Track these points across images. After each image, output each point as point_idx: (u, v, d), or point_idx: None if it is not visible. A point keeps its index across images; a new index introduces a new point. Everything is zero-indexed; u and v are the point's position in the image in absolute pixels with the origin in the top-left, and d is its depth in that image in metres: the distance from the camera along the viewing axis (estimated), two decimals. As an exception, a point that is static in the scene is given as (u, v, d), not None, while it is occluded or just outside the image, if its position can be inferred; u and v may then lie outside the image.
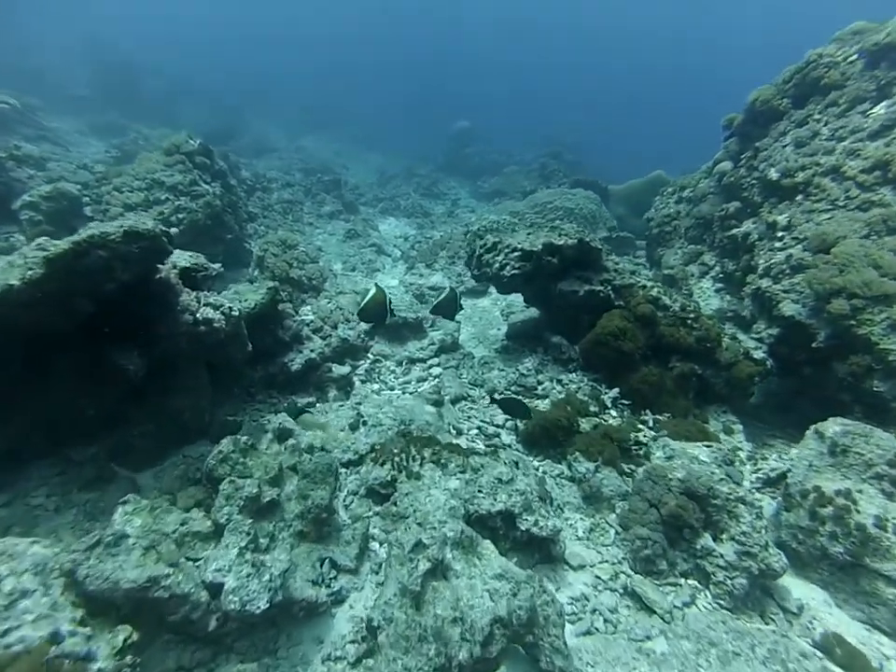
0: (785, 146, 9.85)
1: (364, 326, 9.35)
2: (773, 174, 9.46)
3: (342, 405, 7.05)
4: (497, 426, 7.56)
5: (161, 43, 44.62)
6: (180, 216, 10.73)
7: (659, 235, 13.37)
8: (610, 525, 5.55)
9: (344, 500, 5.51)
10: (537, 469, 6.54)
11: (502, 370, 8.58)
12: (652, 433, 6.67)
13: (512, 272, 7.89)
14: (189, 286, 5.60)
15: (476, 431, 7.35)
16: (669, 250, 12.90)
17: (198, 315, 5.37)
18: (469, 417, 7.82)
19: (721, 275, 11.31)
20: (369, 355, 9.15)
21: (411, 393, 8.37)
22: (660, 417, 7.34)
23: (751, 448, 7.28)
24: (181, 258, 5.80)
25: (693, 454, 5.76)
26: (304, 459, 5.05)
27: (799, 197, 8.92)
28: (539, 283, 8.07)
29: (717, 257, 11.67)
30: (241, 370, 7.04)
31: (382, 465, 5.48)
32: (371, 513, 5.26)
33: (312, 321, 8.76)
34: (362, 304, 5.44)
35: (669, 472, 5.35)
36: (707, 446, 5.94)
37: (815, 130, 9.39)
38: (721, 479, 5.10)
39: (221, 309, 5.74)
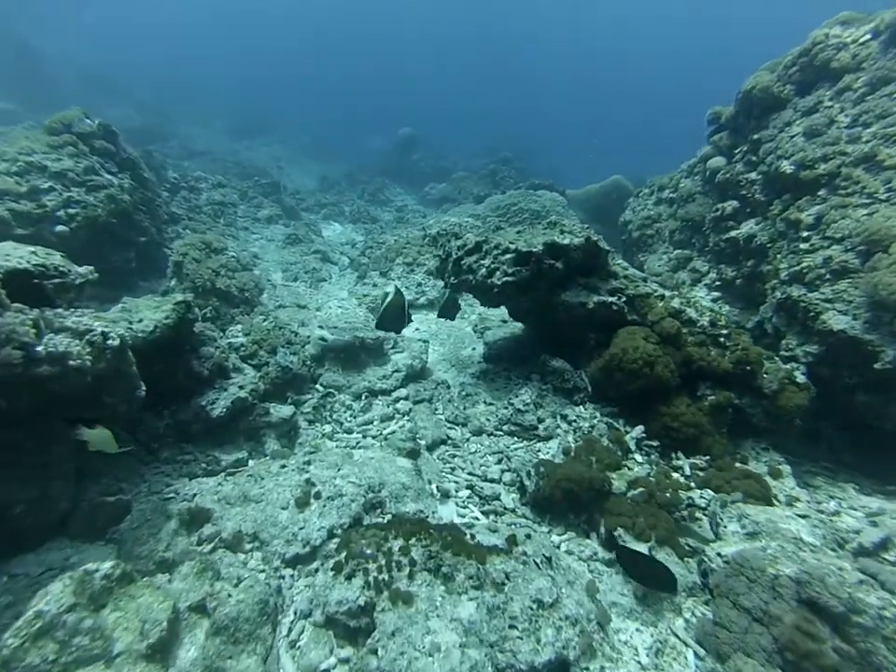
0: (793, 136, 8.59)
1: (311, 350, 7.28)
2: (786, 167, 8.16)
3: (283, 466, 4.95)
4: (493, 480, 5.67)
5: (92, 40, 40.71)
6: (71, 210, 8.28)
7: (639, 239, 11.97)
8: (686, 644, 3.76)
9: (289, 632, 3.46)
10: (558, 546, 4.70)
11: (490, 403, 6.70)
12: (710, 494, 4.96)
13: (504, 279, 6.07)
14: (29, 299, 3.43)
15: (467, 492, 5.43)
16: (652, 255, 11.49)
17: (38, 349, 3.21)
18: (454, 469, 5.88)
19: (717, 282, 9.95)
20: (318, 386, 7.07)
21: (375, 437, 6.36)
22: (697, 461, 5.68)
23: (807, 497, 5.72)
24: (13, 254, 3.60)
25: (788, 529, 4.07)
26: (222, 595, 2.97)
27: (823, 191, 7.61)
28: (536, 293, 6.29)
29: (710, 262, 10.32)
30: (135, 418, 4.85)
31: (349, 578, 3.46)
32: (333, 664, 3.24)
33: (243, 345, 6.61)
34: (380, 310, 4.99)
35: (771, 566, 3.63)
36: (803, 516, 4.27)
37: (830, 117, 8.16)
38: (861, 581, 3.40)
39: (88, 337, 3.59)
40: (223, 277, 8.36)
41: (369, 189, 24.01)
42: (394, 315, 4.96)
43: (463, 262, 6.50)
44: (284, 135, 35.80)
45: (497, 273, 6.14)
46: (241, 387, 5.54)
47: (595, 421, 6.13)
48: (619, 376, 6.04)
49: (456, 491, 5.43)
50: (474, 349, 8.77)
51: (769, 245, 8.41)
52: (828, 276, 6.72)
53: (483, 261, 6.32)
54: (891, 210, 6.61)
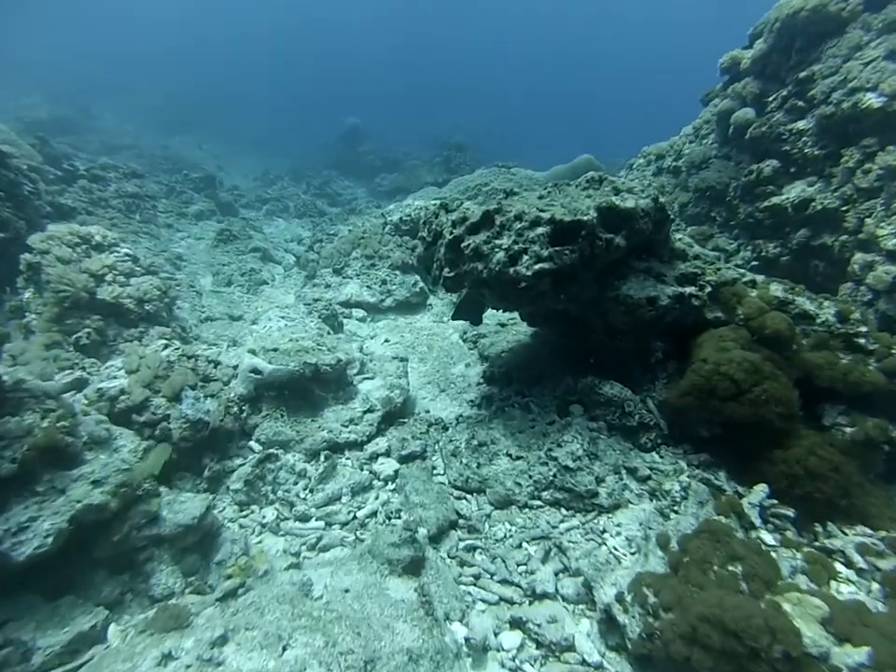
0: (871, 62, 6.58)
1: (240, 388, 4.73)
2: (871, 100, 6.13)
3: (166, 657, 2.47)
4: (545, 595, 3.34)
5: None
6: None
7: (642, 217, 9.89)
8: None
9: None
10: None
11: (516, 456, 4.34)
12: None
13: (538, 266, 3.72)
14: None
15: (517, 639, 3.07)
16: (661, 235, 9.39)
17: None
18: (478, 577, 3.52)
19: (754, 262, 7.92)
20: (252, 444, 4.56)
21: (346, 526, 3.92)
22: (865, 540, 3.52)
23: None
24: None
25: None
26: None
27: None
28: (579, 287, 3.97)
29: (740, 238, 8.29)
30: None
31: None
32: None
33: (123, 392, 4.04)
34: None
35: None
36: None
37: None
38: None
39: None
40: (110, 285, 5.67)
41: (315, 182, 21.24)
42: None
43: (465, 244, 4.10)
44: (221, 130, 32.31)
45: (525, 257, 3.77)
46: (95, 484, 2.98)
47: (685, 477, 3.88)
48: (714, 404, 3.80)
49: (497, 633, 3.06)
50: (468, 365, 6.38)
51: (844, 210, 6.38)
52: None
53: (498, 240, 3.93)
54: None
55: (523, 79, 68.09)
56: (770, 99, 7.81)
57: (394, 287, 8.39)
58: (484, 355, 6.24)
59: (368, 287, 8.37)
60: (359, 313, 8.16)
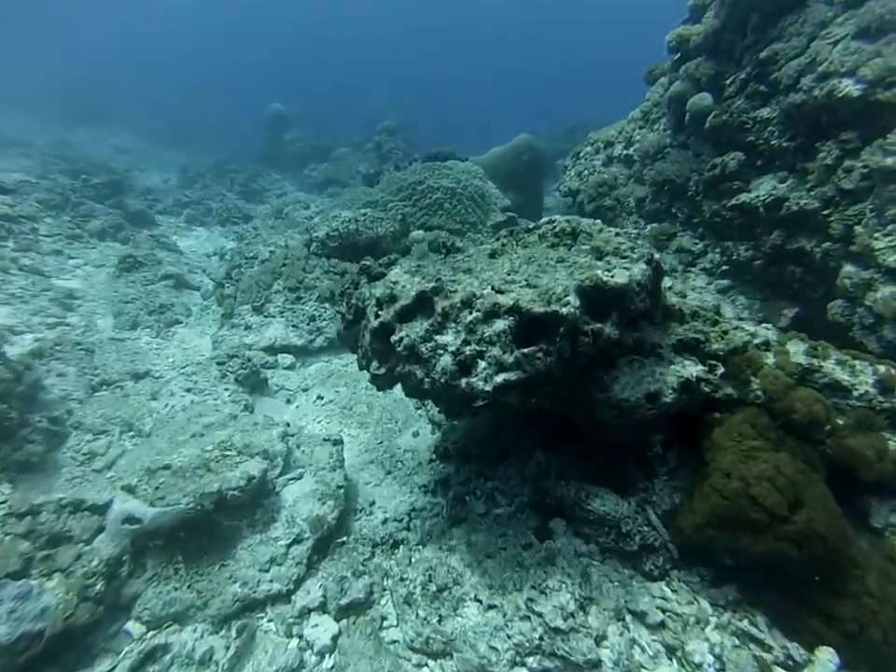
0: (838, 42, 5.65)
1: (110, 550, 3.42)
2: (849, 87, 5.21)
3: None
4: None
5: None
6: None
7: (595, 213, 8.82)
8: None
9: None
10: None
11: (489, 604, 3.25)
12: None
13: (501, 378, 2.57)
14: None
15: None
16: (617, 234, 8.43)
17: None
18: None
19: (723, 267, 7.05)
20: (130, 627, 3.27)
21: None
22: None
23: None
24: None
25: None
26: None
27: None
28: (556, 387, 2.87)
29: (706, 238, 7.39)
30: None
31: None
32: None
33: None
34: None
35: None
36: None
37: None
38: None
39: None
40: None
41: (239, 179, 19.20)
42: None
43: (396, 338, 2.91)
44: (132, 122, 29.05)
45: (482, 364, 2.61)
46: None
47: (713, 631, 2.92)
48: (745, 540, 2.83)
49: None
50: (416, 434, 5.20)
51: (826, 214, 5.50)
52: None
53: (442, 337, 2.76)
54: None
55: (461, 54, 65.52)
56: (727, 82, 6.82)
57: (324, 323, 7.07)
58: (436, 421, 5.11)
59: (294, 326, 7.01)
60: (287, 358, 6.82)
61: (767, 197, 6.20)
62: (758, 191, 6.35)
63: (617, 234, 2.98)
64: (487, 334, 2.62)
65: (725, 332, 3.29)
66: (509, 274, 2.85)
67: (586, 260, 2.81)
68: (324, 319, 7.11)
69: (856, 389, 3.19)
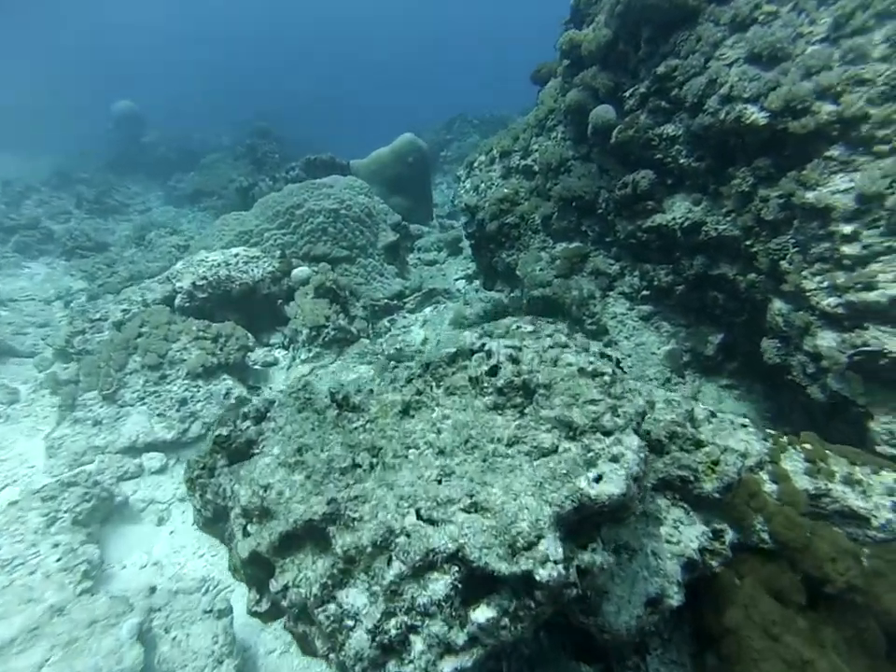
0: (733, 64, 5.18)
1: None
2: (755, 115, 4.71)
3: None
4: None
5: None
6: None
7: (499, 233, 8.00)
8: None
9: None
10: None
11: None
12: None
13: (452, 666, 1.67)
14: None
15: None
16: (526, 254, 7.68)
17: None
18: None
19: (643, 292, 6.54)
20: None
21: None
22: None
23: None
24: None
25: None
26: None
27: (837, 150, 4.34)
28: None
29: (621, 259, 6.84)
30: None
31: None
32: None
33: None
34: None
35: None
36: None
37: (794, 26, 4.85)
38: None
39: None
40: None
41: (89, 195, 16.25)
42: None
43: (279, 589, 1.82)
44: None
45: (419, 647, 1.62)
46: None
47: None
48: None
49: None
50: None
51: (748, 244, 5.05)
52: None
53: (348, 597, 1.72)
54: None
55: (338, 42, 61.84)
56: (626, 94, 6.20)
57: (199, 405, 5.66)
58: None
59: (160, 415, 5.53)
60: (154, 459, 5.36)
61: (684, 220, 5.70)
62: (673, 213, 5.84)
63: (585, 376, 2.06)
64: (420, 602, 1.61)
65: (716, 463, 2.54)
66: (440, 477, 1.84)
67: (551, 441, 1.88)
68: (197, 400, 5.70)
69: (875, 518, 2.60)
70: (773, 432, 3.07)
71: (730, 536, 2.39)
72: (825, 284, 4.11)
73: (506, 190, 8.06)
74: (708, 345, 5.90)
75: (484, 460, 1.88)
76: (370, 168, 15.18)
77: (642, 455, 1.83)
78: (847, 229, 4.03)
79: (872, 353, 3.68)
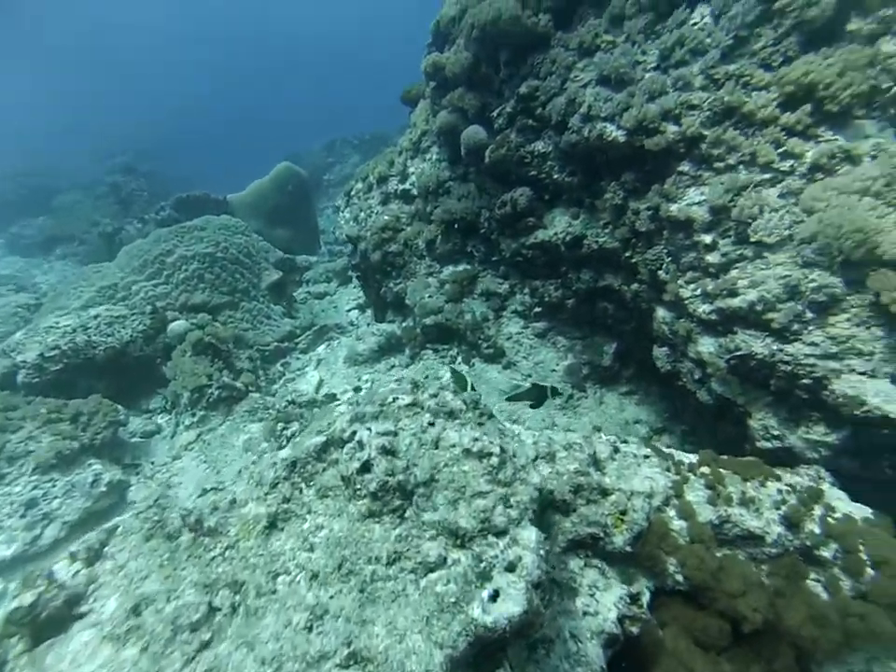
0: (587, 85, 5.28)
1: None
2: (613, 132, 4.80)
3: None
4: None
5: None
6: None
7: (384, 262, 7.70)
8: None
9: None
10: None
11: None
12: None
13: None
14: None
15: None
16: (414, 282, 7.43)
17: None
18: None
19: (535, 309, 6.52)
20: None
21: None
22: None
23: None
24: None
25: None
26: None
27: (686, 166, 4.46)
28: None
29: (509, 277, 6.79)
30: None
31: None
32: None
33: None
34: None
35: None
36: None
37: (631, 55, 5.00)
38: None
39: None
40: None
41: None
42: None
43: None
44: None
45: None
46: None
47: None
48: None
49: None
50: None
51: (628, 256, 5.15)
52: (808, 315, 3.66)
53: None
54: (835, 182, 3.79)
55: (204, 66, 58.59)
56: (495, 114, 6.19)
57: (55, 502, 4.78)
58: None
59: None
60: None
61: (565, 235, 5.75)
62: (555, 228, 5.88)
63: (471, 458, 1.79)
64: None
65: (624, 512, 2.39)
66: (310, 622, 1.48)
67: (437, 553, 1.58)
68: (53, 497, 4.82)
69: (768, 534, 2.57)
70: (675, 455, 3.02)
71: (646, 597, 2.24)
72: (698, 292, 4.23)
73: (386, 217, 7.81)
74: (605, 356, 5.99)
75: (362, 589, 1.54)
76: (247, 201, 14.38)
77: (541, 552, 1.59)
78: (708, 238, 4.17)
79: (744, 356, 3.80)
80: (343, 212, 8.88)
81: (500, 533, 1.60)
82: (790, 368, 3.59)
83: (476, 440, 1.86)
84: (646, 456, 2.89)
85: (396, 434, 1.89)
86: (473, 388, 2.99)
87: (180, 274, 7.77)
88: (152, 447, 6.42)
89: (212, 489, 5.01)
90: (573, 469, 2.49)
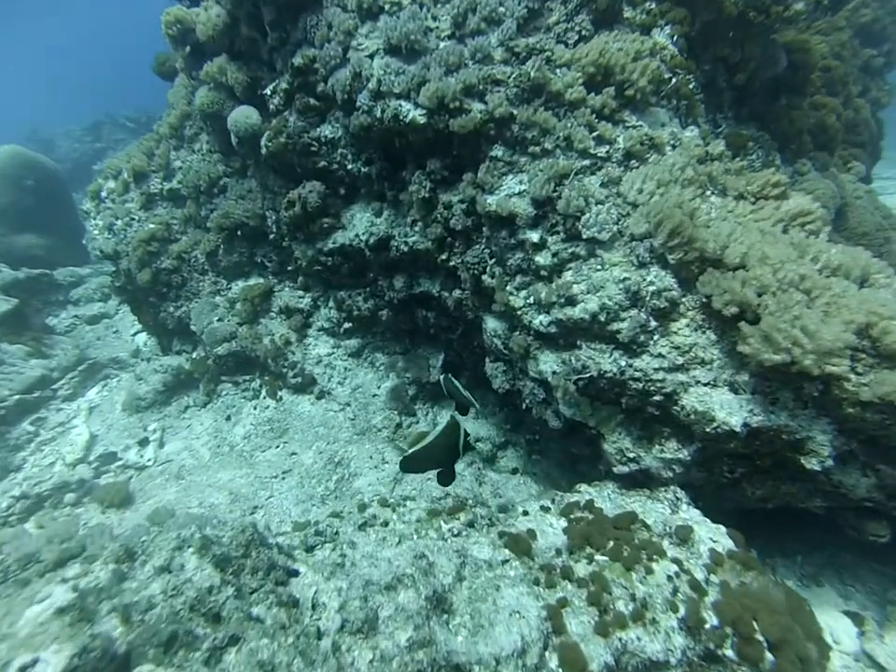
0: (374, 55, 4.12)
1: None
2: (411, 112, 3.74)
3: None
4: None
5: None
6: None
7: (157, 281, 5.82)
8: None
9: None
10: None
11: None
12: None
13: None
14: None
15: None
16: (197, 303, 5.75)
17: None
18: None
19: (345, 324, 5.33)
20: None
21: None
22: None
23: None
24: None
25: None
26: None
27: (500, 151, 3.66)
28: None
29: (310, 289, 5.49)
30: None
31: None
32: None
33: None
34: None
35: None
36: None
37: (418, 20, 4.00)
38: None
39: None
40: None
41: None
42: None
43: None
44: None
45: None
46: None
47: None
48: None
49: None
50: None
51: (444, 259, 4.25)
52: (652, 323, 3.12)
53: None
54: (652, 171, 3.33)
55: None
56: (268, 92, 4.82)
57: None
58: None
59: None
60: None
61: (368, 236, 4.68)
62: (355, 229, 4.77)
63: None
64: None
65: None
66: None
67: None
68: None
69: (672, 653, 1.86)
70: (542, 564, 2.17)
71: None
72: (531, 300, 3.49)
73: (152, 226, 5.96)
74: (431, 371, 5.13)
75: None
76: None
77: None
78: (535, 236, 3.45)
79: (593, 377, 3.17)
80: (94, 220, 6.67)
81: None
82: (641, 385, 3.03)
83: None
84: (504, 562, 1.99)
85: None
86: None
87: None
88: None
89: None
90: (405, 641, 1.46)
